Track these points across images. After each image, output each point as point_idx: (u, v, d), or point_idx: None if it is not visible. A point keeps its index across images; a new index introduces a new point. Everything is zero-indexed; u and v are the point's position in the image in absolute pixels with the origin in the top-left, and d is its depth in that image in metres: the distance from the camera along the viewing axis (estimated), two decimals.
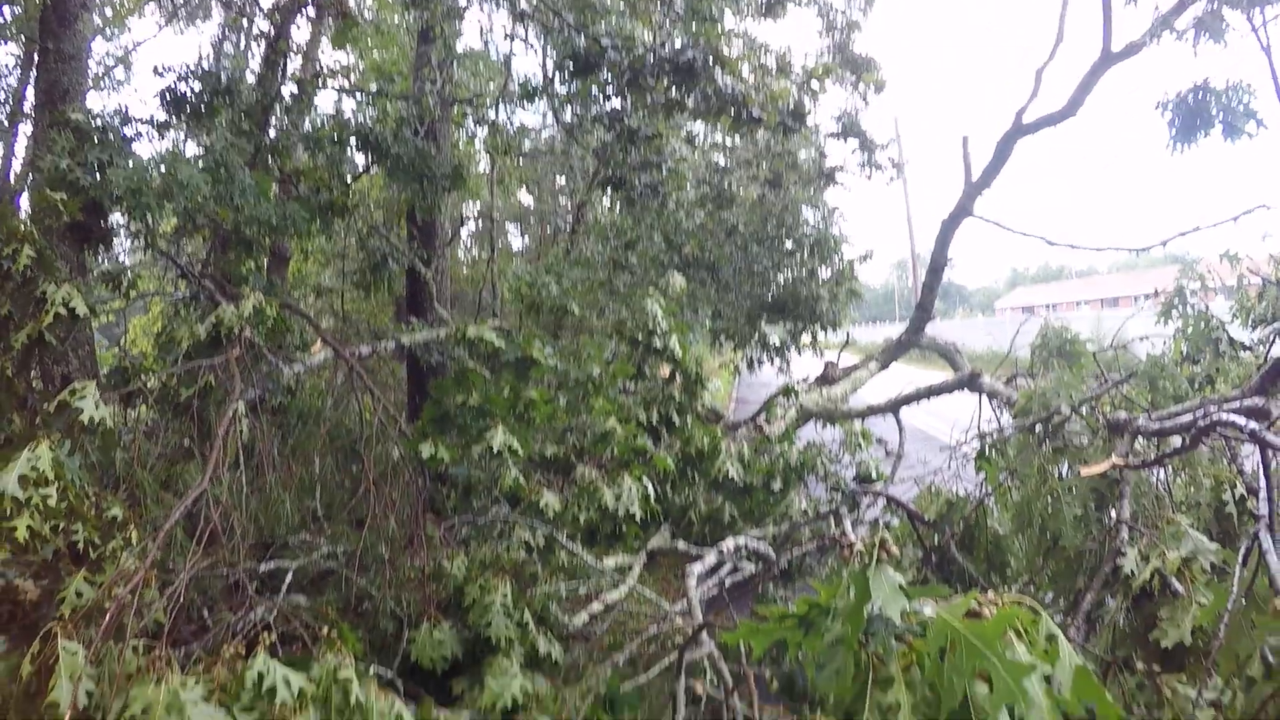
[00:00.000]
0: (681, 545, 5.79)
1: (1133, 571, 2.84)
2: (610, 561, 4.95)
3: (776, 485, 5.97)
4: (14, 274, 3.43)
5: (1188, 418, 2.95)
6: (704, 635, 3.29)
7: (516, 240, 20.32)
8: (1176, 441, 3.18)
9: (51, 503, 2.59)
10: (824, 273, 12.20)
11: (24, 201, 5.42)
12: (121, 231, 5.23)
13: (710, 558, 4.73)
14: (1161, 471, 3.53)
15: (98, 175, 4.24)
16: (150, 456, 3.99)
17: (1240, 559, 2.26)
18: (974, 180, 8.02)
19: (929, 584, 3.24)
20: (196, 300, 4.71)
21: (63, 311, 3.40)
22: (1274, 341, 4.66)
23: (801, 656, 1.55)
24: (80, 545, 2.72)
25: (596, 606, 4.51)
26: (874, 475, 6.85)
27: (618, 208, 11.36)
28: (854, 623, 1.44)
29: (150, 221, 4.28)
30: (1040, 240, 8.30)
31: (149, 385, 3.82)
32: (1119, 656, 2.62)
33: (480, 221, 17.97)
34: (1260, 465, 2.35)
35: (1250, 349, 5.02)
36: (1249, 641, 1.98)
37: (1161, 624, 2.66)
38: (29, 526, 2.51)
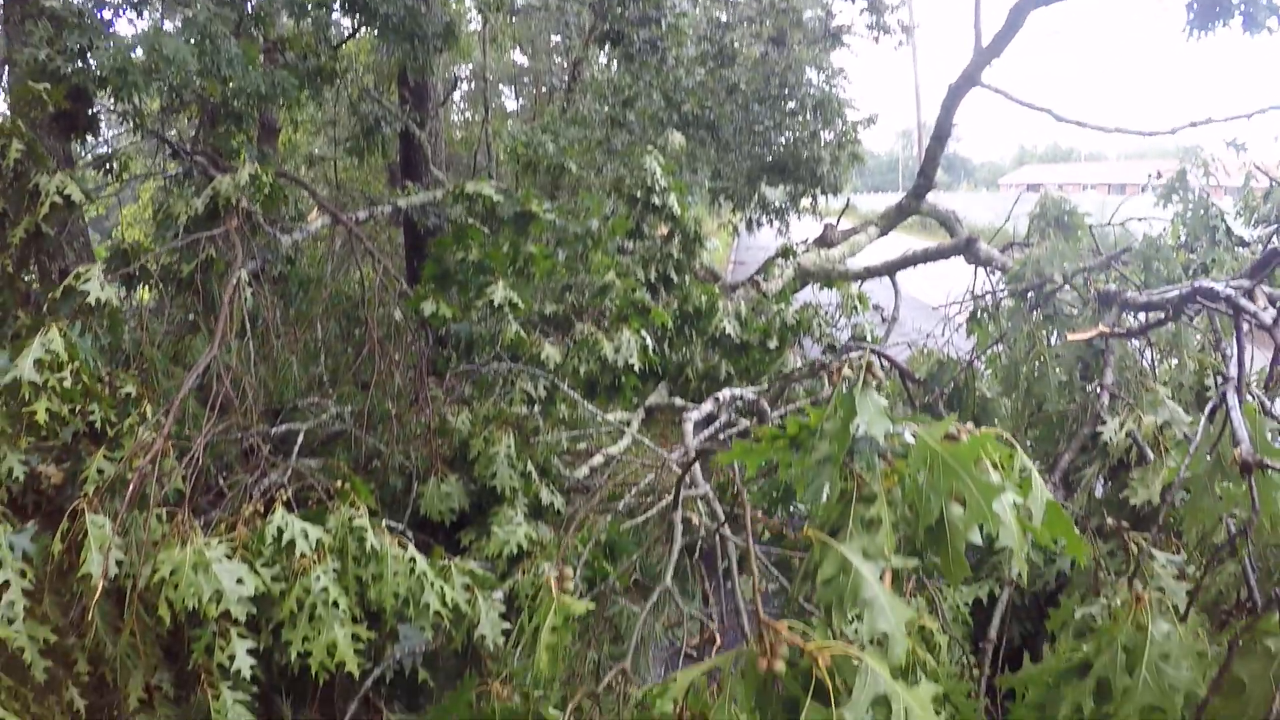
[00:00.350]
0: (679, 402, 5.93)
1: (1110, 438, 2.96)
2: (610, 417, 5.09)
3: (773, 343, 6.03)
4: (4, 170, 3.37)
5: (1174, 293, 2.99)
6: (700, 478, 3.40)
7: (511, 102, 19.80)
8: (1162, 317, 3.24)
9: (67, 385, 2.64)
10: (826, 135, 11.96)
11: (1, 100, 5.27)
12: (107, 118, 5.09)
13: (707, 406, 4.86)
14: (1149, 351, 3.60)
15: (79, 61, 4.12)
16: (158, 334, 4.04)
17: (1206, 414, 2.32)
18: (984, 47, 7.75)
19: None
20: (189, 177, 4.67)
21: (58, 200, 3.36)
22: (1272, 240, 4.64)
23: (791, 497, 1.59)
24: (98, 424, 2.78)
25: (597, 460, 4.66)
26: (869, 338, 6.93)
27: (615, 65, 11.03)
28: (840, 440, 1.47)
29: (138, 101, 4.19)
30: (1048, 115, 8.06)
31: (149, 266, 3.84)
32: (1093, 523, 2.75)
33: (473, 83, 17.45)
34: (1235, 333, 2.41)
35: (1248, 245, 4.99)
36: (1212, 502, 2.08)
37: (1132, 483, 2.79)
38: (48, 410, 2.58)
